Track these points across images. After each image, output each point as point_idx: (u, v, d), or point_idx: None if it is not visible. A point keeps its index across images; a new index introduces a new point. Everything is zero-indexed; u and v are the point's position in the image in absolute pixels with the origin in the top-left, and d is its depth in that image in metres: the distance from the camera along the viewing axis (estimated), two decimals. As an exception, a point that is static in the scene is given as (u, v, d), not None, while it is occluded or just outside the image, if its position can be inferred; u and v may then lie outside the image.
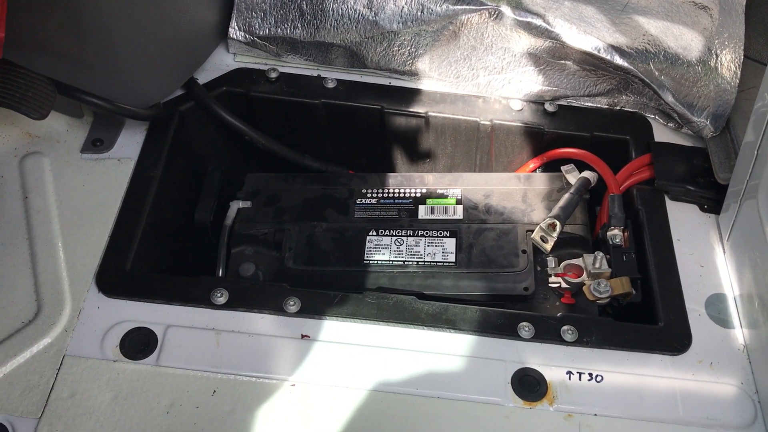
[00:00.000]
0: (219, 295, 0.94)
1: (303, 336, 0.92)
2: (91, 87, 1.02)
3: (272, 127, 1.22)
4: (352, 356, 0.91)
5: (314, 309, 0.94)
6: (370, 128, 1.21)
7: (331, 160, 1.25)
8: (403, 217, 1.12)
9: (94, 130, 1.11)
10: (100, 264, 0.97)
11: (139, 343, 0.91)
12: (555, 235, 1.01)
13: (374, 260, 1.08)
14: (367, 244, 1.09)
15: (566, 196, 1.06)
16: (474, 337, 0.93)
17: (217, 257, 1.12)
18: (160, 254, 1.06)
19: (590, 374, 0.90)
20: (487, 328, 0.93)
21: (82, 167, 1.07)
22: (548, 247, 1.02)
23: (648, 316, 0.99)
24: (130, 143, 1.10)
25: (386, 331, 0.93)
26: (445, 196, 1.14)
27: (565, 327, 0.93)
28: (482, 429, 0.86)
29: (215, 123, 1.18)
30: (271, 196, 1.17)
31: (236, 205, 1.15)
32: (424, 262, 1.07)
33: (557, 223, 1.01)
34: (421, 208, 1.13)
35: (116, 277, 0.96)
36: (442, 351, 0.92)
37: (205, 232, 1.15)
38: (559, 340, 0.92)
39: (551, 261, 1.03)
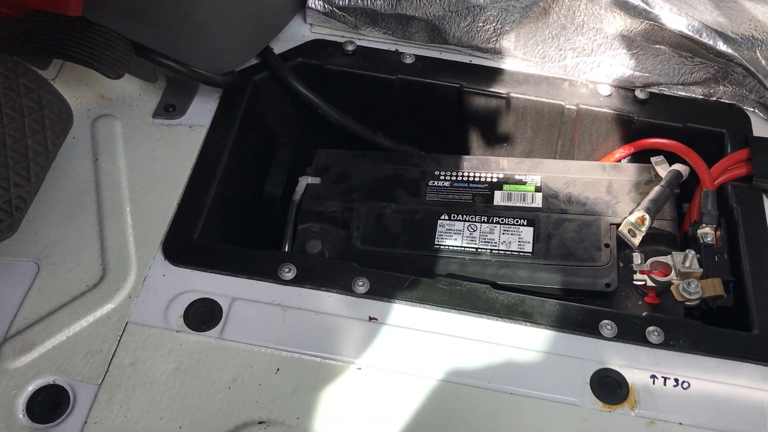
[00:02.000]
0: (287, 270, 0.91)
1: (371, 318, 0.88)
2: (167, 50, 1.00)
3: (345, 102, 1.18)
4: (421, 343, 0.86)
5: (383, 291, 0.90)
6: (447, 107, 1.16)
7: (403, 139, 1.21)
8: (478, 202, 1.07)
9: (167, 96, 1.08)
10: (168, 231, 0.95)
11: (203, 315, 0.88)
12: (644, 229, 0.95)
13: (445, 245, 1.03)
14: (438, 228, 1.05)
15: (657, 188, 0.99)
16: (552, 332, 0.87)
17: (284, 233, 1.09)
18: (228, 226, 1.04)
19: (676, 380, 0.84)
20: (567, 323, 0.88)
21: (154, 132, 1.05)
22: (636, 241, 0.96)
23: (740, 321, 0.91)
24: (202, 111, 1.07)
25: (458, 320, 0.88)
26: (524, 183, 1.09)
27: (651, 328, 0.86)
28: (556, 430, 0.81)
29: (289, 95, 1.14)
30: (341, 174, 1.14)
31: (305, 181, 1.12)
32: (498, 250, 1.02)
33: (647, 216, 0.95)
34: (497, 194, 1.08)
35: (183, 245, 0.94)
36: (516, 344, 0.86)
37: (273, 206, 1.12)
38: (644, 342, 0.86)
39: (637, 257, 0.96)
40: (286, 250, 1.08)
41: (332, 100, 1.16)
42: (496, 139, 1.19)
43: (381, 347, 0.86)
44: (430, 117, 1.19)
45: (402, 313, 0.89)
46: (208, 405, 0.82)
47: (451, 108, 1.16)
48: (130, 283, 0.90)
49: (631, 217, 0.96)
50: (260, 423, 0.81)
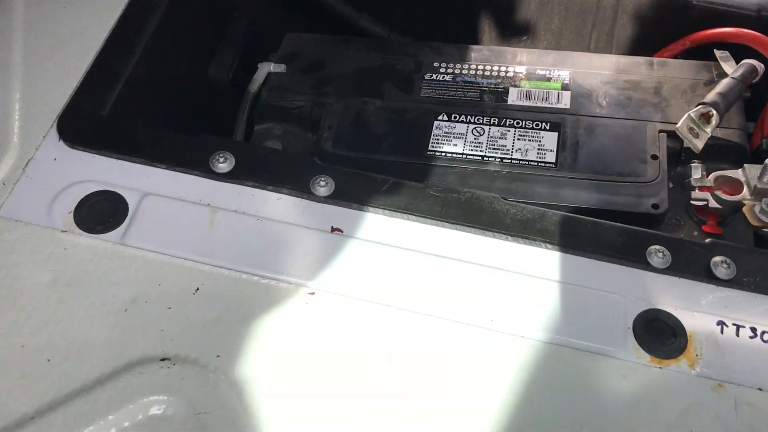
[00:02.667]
0: (222, 159, 0.67)
1: (333, 229, 0.64)
2: None
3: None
4: (400, 265, 0.62)
5: (353, 195, 0.66)
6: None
7: (396, 25, 0.96)
8: (487, 101, 0.83)
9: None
10: (68, 104, 0.70)
11: (101, 212, 0.64)
12: (710, 129, 0.70)
13: (442, 152, 0.79)
14: (434, 131, 0.80)
15: (726, 80, 0.75)
16: (581, 258, 0.63)
17: (234, 130, 0.85)
18: (155, 110, 0.79)
19: (753, 329, 0.60)
20: (602, 247, 0.63)
21: (66, -16, 0.80)
22: (699, 144, 0.71)
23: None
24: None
25: (451, 237, 0.64)
26: (548, 79, 0.84)
27: (718, 258, 0.62)
28: (582, 390, 0.57)
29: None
30: (314, 62, 0.89)
31: (266, 68, 0.88)
32: (511, 159, 0.77)
33: (714, 112, 0.70)
34: (513, 92, 0.83)
35: (86, 122, 0.69)
36: (531, 272, 0.62)
37: (221, 94, 0.87)
38: (708, 277, 0.62)
39: (697, 169, 0.72)
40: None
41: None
42: (512, 31, 0.94)
43: (344, 267, 0.62)
44: (429, 4, 0.94)
45: (376, 225, 0.65)
46: (92, 332, 0.58)
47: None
48: (7, 166, 0.66)
49: (693, 113, 0.71)
50: (163, 360, 0.57)
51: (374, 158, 0.79)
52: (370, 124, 0.82)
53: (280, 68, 0.88)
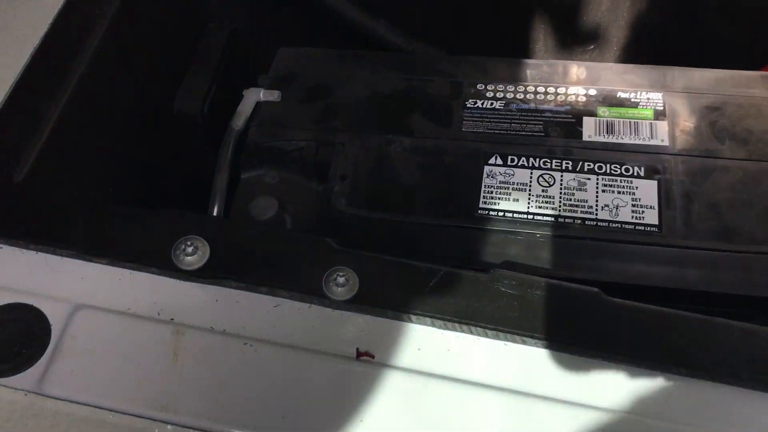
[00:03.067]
0: (191, 249, 0.44)
1: (360, 354, 0.43)
2: None
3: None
4: (467, 410, 0.41)
5: (386, 296, 0.44)
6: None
7: (421, 33, 0.74)
8: (554, 136, 0.61)
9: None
10: (-39, 167, 0.48)
11: (9, 340, 0.42)
12: None
13: (498, 211, 0.57)
14: (486, 180, 0.59)
15: None
16: (740, 391, 0.42)
17: (213, 183, 0.63)
18: (94, 169, 0.57)
19: None
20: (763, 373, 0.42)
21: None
22: None
23: None
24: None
25: (541, 361, 0.43)
26: (634, 104, 0.62)
27: None
28: None
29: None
30: (317, 86, 0.67)
31: (255, 96, 0.66)
32: (596, 221, 0.56)
33: None
34: (588, 123, 0.62)
35: (-10, 195, 0.47)
36: (675, 418, 0.41)
37: (192, 134, 0.65)
38: None
39: None
40: (215, 213, 0.61)
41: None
42: (575, 38, 0.72)
43: (381, 422, 0.40)
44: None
45: (424, 344, 0.43)
46: None
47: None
48: None
49: None
50: None
51: (406, 221, 0.58)
52: (396, 171, 0.61)
53: (273, 96, 0.66)
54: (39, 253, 0.45)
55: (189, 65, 0.65)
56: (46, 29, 0.54)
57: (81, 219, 0.46)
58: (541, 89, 0.65)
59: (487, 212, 0.57)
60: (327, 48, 0.71)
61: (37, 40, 0.54)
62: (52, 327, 0.42)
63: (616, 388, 0.41)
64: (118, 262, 0.45)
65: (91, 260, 0.45)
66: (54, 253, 0.45)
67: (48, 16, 0.56)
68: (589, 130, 0.61)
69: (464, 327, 0.43)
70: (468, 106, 0.64)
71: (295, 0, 0.69)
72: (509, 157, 0.60)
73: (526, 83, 0.65)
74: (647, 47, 0.70)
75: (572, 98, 0.64)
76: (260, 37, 0.73)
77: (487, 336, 0.43)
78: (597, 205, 0.57)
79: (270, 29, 0.74)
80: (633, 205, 0.56)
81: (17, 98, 0.51)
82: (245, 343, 0.42)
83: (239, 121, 0.65)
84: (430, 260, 0.53)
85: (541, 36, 0.72)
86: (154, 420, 0.40)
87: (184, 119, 0.63)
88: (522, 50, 0.73)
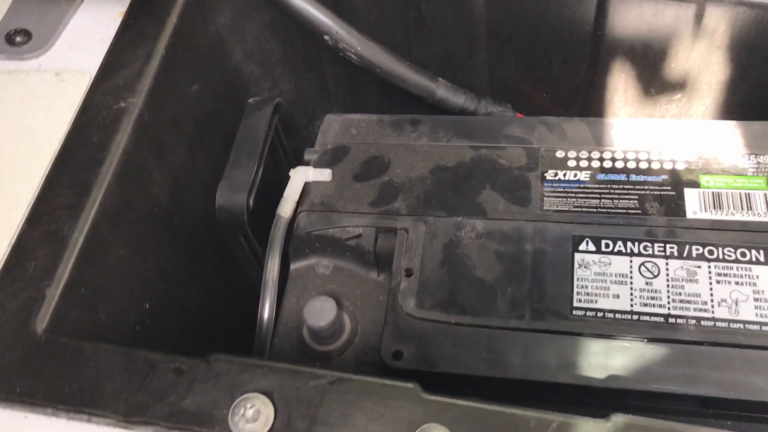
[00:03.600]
0: (251, 412, 0.37)
1: None
2: None
3: (373, 25, 0.63)
4: None
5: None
6: (574, 30, 0.61)
7: (486, 90, 0.66)
8: (653, 214, 0.53)
9: (13, 15, 0.54)
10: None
11: None
12: None
13: (596, 310, 0.49)
14: (578, 272, 0.51)
15: None
16: None
17: (263, 278, 0.55)
18: (131, 291, 0.49)
19: None
20: None
21: (-14, 88, 0.51)
22: None
23: None
24: (83, 40, 0.53)
25: None
26: (743, 170, 0.54)
27: None
28: None
29: (270, 6, 0.59)
30: (372, 160, 0.60)
31: (303, 176, 0.58)
32: (713, 320, 0.48)
33: None
34: (691, 195, 0.53)
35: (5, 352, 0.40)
36: None
37: (238, 229, 0.57)
38: None
39: None
40: (266, 317, 0.54)
41: (352, 19, 0.61)
42: (660, 86, 0.63)
43: None
44: (536, 48, 0.64)
45: None
46: None
47: (582, 30, 0.61)
48: None
49: None
50: None
51: (488, 325, 0.50)
52: (471, 262, 0.53)
53: (324, 175, 0.58)
54: (71, 421, 0.38)
55: (230, 149, 0.57)
56: (68, 124, 0.47)
57: (117, 373, 0.39)
58: (631, 155, 0.56)
59: (583, 312, 0.49)
60: (379, 113, 0.63)
61: (57, 144, 0.47)
62: None
63: None
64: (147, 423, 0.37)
65: (132, 429, 0.37)
66: (89, 420, 0.38)
67: (70, 110, 0.49)
68: (693, 204, 0.53)
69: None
70: (548, 178, 0.56)
71: (343, 63, 0.61)
72: (603, 242, 0.52)
73: (612, 148, 0.57)
74: (744, 96, 0.61)
75: (668, 165, 0.55)
76: (304, 102, 0.66)
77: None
78: (712, 300, 0.48)
79: (316, 93, 0.67)
80: (755, 299, 0.48)
81: (36, 222, 0.43)
82: None
83: (287, 207, 0.57)
84: (521, 371, 0.46)
85: (621, 86, 0.63)
86: None
87: (227, 215, 0.55)
88: (599, 102, 0.65)
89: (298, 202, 0.58)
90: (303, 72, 0.65)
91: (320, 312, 0.54)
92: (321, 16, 0.55)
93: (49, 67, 0.51)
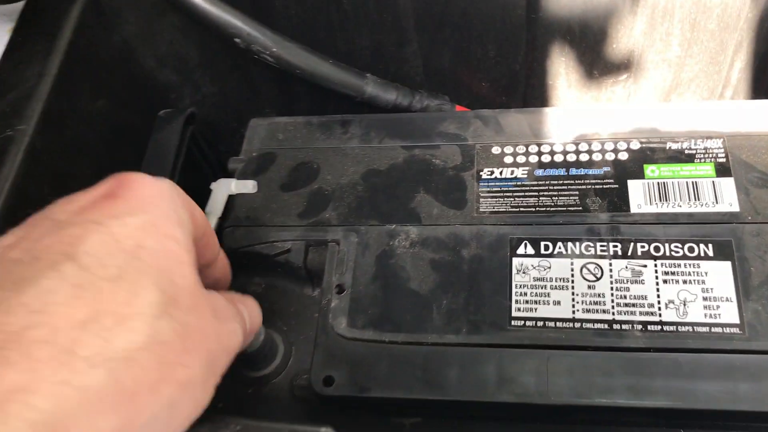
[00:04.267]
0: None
1: None
2: None
3: (294, 23, 0.59)
4: None
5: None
6: (506, 14, 0.57)
7: (422, 82, 0.62)
8: (595, 210, 0.50)
9: None
10: None
11: None
12: None
13: (536, 319, 0.46)
14: (516, 278, 0.47)
15: None
16: None
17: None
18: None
19: None
20: None
21: None
22: None
23: None
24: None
25: None
26: (688, 156, 0.51)
27: None
28: None
29: (169, 8, 0.55)
30: (300, 167, 0.56)
31: (225, 189, 0.55)
32: (660, 324, 0.45)
33: None
34: (635, 187, 0.50)
35: None
36: None
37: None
38: None
39: None
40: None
41: (271, 16, 0.57)
42: (604, 66, 0.60)
43: None
44: (467, 35, 0.60)
45: None
46: None
47: (513, 12, 0.57)
48: None
49: None
50: None
51: (424, 342, 0.47)
52: (405, 273, 0.49)
53: (247, 186, 0.55)
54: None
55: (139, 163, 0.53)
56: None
57: None
58: (571, 147, 0.53)
59: (522, 323, 0.46)
60: (312, 110, 0.60)
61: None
62: None
63: None
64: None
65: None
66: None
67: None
68: (637, 197, 0.49)
69: None
70: (483, 177, 0.53)
71: (258, 66, 0.57)
72: (542, 243, 0.49)
73: (551, 140, 0.53)
74: (689, 70, 0.58)
75: (610, 156, 0.52)
76: (232, 104, 0.62)
77: None
78: (659, 301, 0.45)
79: (243, 94, 0.63)
80: (704, 298, 0.45)
81: None
82: None
83: (211, 222, 0.54)
84: (459, 391, 0.43)
85: (562, 70, 0.59)
86: None
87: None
88: (540, 88, 0.61)
89: (223, 217, 0.55)
90: (226, 74, 0.61)
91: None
92: (228, 17, 0.51)
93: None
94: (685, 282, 0.46)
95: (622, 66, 0.58)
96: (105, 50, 0.52)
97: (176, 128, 0.53)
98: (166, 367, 0.29)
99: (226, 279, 0.46)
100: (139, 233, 0.31)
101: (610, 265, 0.47)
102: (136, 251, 0.30)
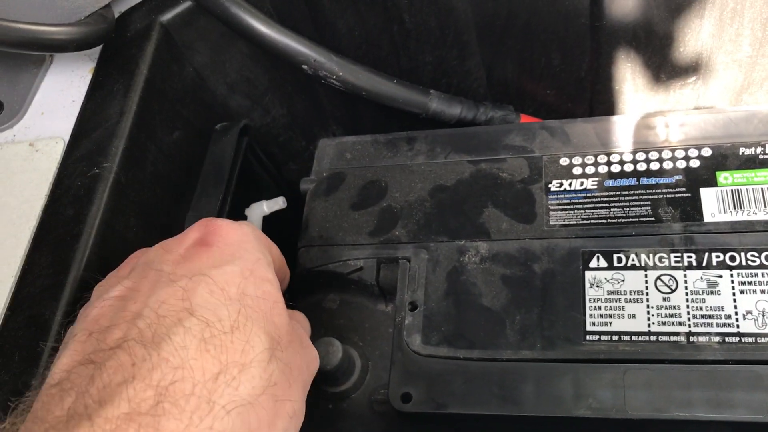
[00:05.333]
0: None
1: None
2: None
3: (358, 44, 0.60)
4: None
5: None
6: (569, 23, 0.57)
7: (486, 94, 0.62)
8: (668, 220, 0.49)
9: (-16, 85, 0.53)
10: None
11: None
12: None
13: (610, 334, 0.46)
14: (589, 291, 0.48)
15: None
16: None
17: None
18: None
19: None
20: None
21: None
22: None
23: None
24: (55, 103, 0.52)
25: None
26: (765, 162, 0.49)
27: None
28: None
29: (240, 38, 0.57)
30: (369, 186, 0.57)
31: (259, 210, 0.57)
32: (738, 335, 0.44)
33: None
34: (708, 196, 0.49)
35: None
36: None
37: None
38: None
39: None
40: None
41: (336, 39, 0.59)
42: (670, 71, 0.59)
43: None
44: (529, 46, 0.60)
45: None
46: None
47: (576, 21, 0.57)
48: None
49: None
50: None
51: (498, 358, 0.47)
52: (477, 289, 0.50)
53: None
54: None
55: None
56: (42, 205, 0.46)
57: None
58: (641, 155, 0.52)
59: (597, 337, 0.46)
60: (378, 127, 0.61)
61: (34, 221, 0.46)
62: None
63: None
64: None
65: None
66: None
67: (45, 180, 0.48)
68: (710, 206, 0.49)
69: None
70: (552, 189, 0.53)
71: (321, 88, 0.59)
72: (615, 256, 0.48)
73: (620, 149, 0.53)
74: (761, 71, 0.56)
75: (681, 163, 0.51)
76: (300, 124, 0.63)
77: None
78: (736, 313, 0.45)
79: (311, 114, 0.64)
80: (786, 309, 0.44)
81: (17, 308, 0.43)
82: None
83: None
84: (536, 407, 0.44)
85: (629, 75, 0.59)
86: None
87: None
88: (607, 94, 0.60)
89: (300, 237, 0.56)
90: (294, 95, 0.63)
91: (326, 355, 0.52)
92: (295, 45, 0.52)
93: (23, 137, 0.50)
94: (763, 292, 0.45)
95: (690, 68, 0.57)
96: (178, 82, 0.54)
97: (231, 140, 0.55)
98: (279, 405, 0.32)
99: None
100: (239, 280, 0.33)
101: (685, 276, 0.47)
102: (242, 299, 0.33)
